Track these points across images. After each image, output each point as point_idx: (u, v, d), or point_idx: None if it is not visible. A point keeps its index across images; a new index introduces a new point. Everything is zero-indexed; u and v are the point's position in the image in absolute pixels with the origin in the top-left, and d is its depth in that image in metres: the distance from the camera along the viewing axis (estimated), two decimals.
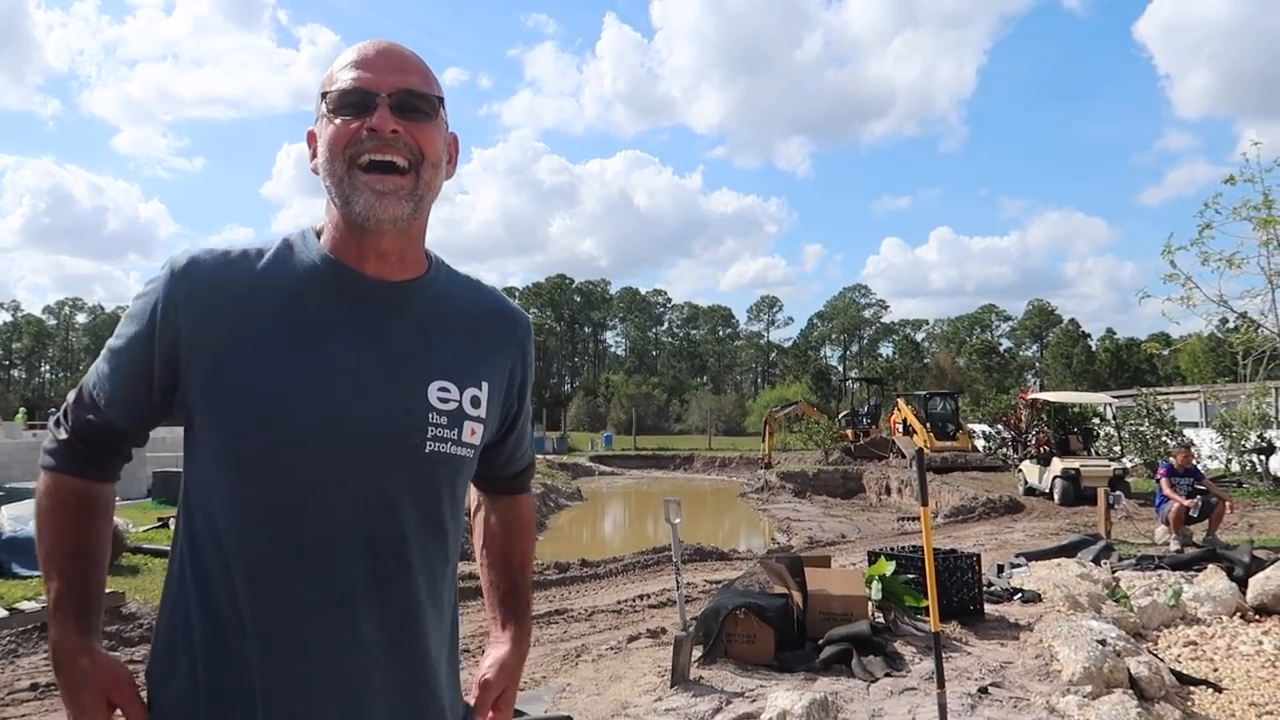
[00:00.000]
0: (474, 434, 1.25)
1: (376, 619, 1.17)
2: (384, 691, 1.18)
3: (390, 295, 1.23)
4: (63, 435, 1.26)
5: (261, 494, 1.14)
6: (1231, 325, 12.73)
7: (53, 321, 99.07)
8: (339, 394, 1.15)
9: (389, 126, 1.16)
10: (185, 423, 1.21)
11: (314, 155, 1.24)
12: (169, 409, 1.22)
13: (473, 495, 1.53)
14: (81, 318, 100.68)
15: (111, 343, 1.25)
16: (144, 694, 1.23)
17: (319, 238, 1.25)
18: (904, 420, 28.29)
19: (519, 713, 4.53)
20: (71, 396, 1.28)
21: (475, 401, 1.26)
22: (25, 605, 6.64)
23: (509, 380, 1.35)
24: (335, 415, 1.15)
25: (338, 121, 1.17)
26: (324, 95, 1.21)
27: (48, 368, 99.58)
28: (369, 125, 1.15)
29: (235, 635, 1.14)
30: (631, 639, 6.41)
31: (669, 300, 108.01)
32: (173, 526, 1.24)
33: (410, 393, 1.20)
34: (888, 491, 22.80)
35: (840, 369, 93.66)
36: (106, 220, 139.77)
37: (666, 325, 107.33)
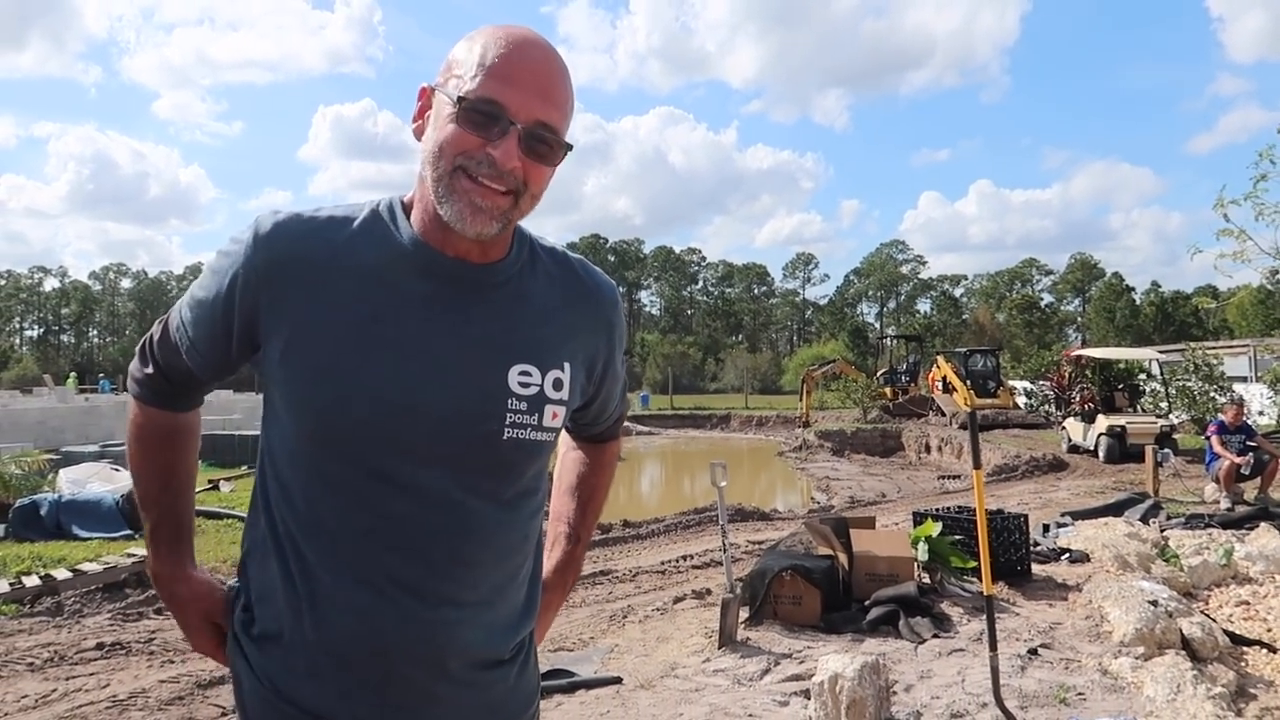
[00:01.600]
0: (555, 418, 1.24)
1: (454, 604, 1.18)
2: (455, 673, 1.19)
3: (474, 277, 1.20)
4: (149, 368, 1.31)
5: (334, 470, 1.15)
6: None
7: (98, 287, 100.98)
8: (415, 376, 1.14)
9: (511, 163, 1.11)
10: (264, 387, 1.22)
11: (419, 118, 1.19)
12: (247, 362, 1.23)
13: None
14: (126, 283, 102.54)
15: (195, 291, 1.25)
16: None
17: (406, 212, 1.22)
18: (943, 378, 28.01)
19: (569, 673, 4.61)
20: (157, 331, 1.31)
21: (558, 384, 1.24)
22: (87, 566, 6.85)
23: (594, 356, 1.33)
24: (410, 397, 1.14)
25: (459, 127, 1.12)
26: (454, 76, 1.14)
27: (95, 333, 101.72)
28: (490, 150, 1.11)
29: (307, 603, 1.17)
30: (677, 600, 6.47)
31: (703, 259, 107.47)
32: (253, 480, 1.28)
33: (490, 377, 1.18)
34: (927, 450, 22.66)
35: (877, 326, 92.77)
36: (148, 186, 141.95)
37: (701, 284, 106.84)
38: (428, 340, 1.16)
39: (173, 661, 5.23)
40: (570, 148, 1.17)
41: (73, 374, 42.77)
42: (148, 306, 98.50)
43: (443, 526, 1.16)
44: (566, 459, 1.56)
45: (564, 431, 1.48)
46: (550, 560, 1.46)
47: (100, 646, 5.40)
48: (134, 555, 7.18)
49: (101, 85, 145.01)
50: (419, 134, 1.18)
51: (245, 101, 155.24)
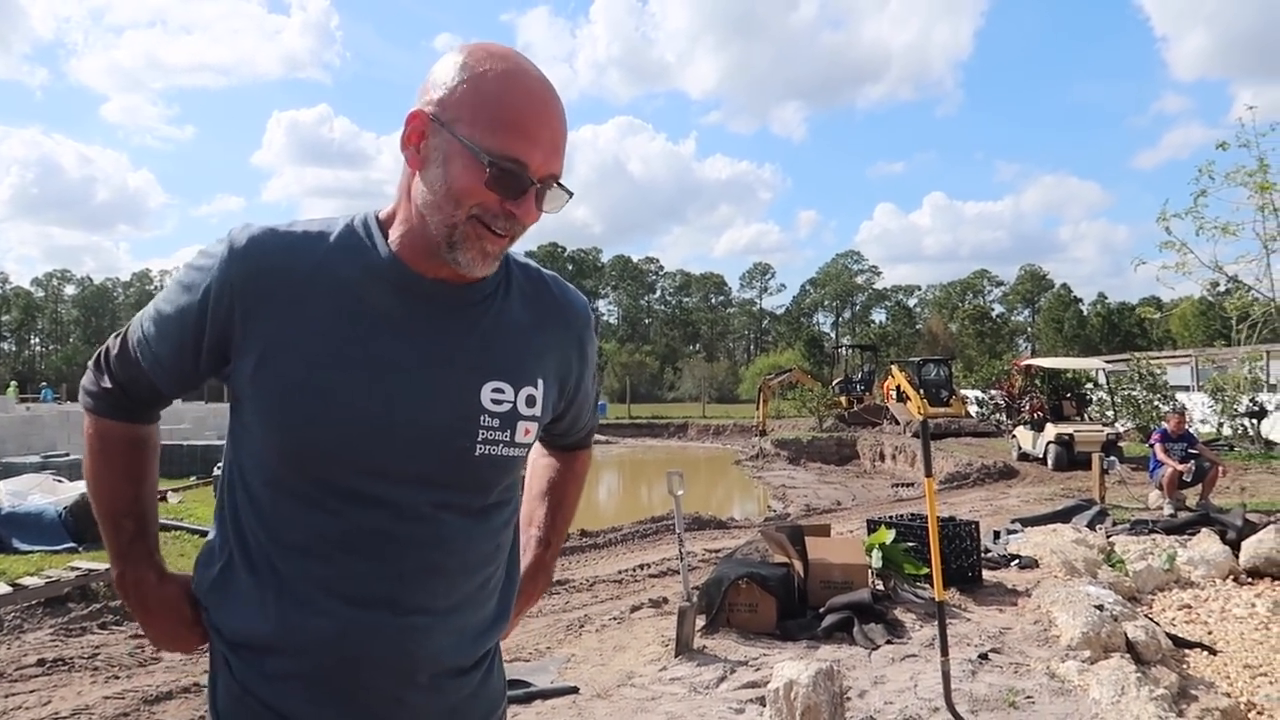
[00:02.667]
0: (528, 434, 1.25)
1: (426, 617, 1.18)
2: (427, 687, 1.20)
3: (448, 296, 1.21)
4: (106, 383, 1.29)
5: (306, 485, 1.15)
6: (1223, 289, 12.75)
7: (41, 294, 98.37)
8: (388, 393, 1.15)
9: (531, 219, 1.15)
10: (233, 401, 1.21)
11: (413, 143, 1.14)
12: (212, 376, 1.23)
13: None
14: (70, 289, 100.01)
15: (160, 305, 1.23)
16: None
17: (382, 229, 1.21)
18: (897, 387, 28.38)
19: (525, 684, 4.59)
20: (115, 344, 1.29)
21: (531, 401, 1.25)
22: (28, 581, 6.66)
23: (567, 372, 1.35)
24: (383, 414, 1.14)
25: (489, 187, 1.11)
26: (463, 119, 1.11)
27: (37, 340, 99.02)
28: (512, 209, 1.12)
29: (275, 626, 1.17)
30: (634, 609, 6.47)
31: (661, 268, 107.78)
32: (215, 492, 1.28)
33: (462, 395, 1.19)
34: (882, 458, 22.94)
35: (833, 336, 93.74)
36: (96, 190, 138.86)
37: (659, 293, 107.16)
38: (402, 358, 1.16)
39: (117, 677, 5.10)
40: (571, 195, 1.20)
41: (13, 383, 41.58)
42: (92, 313, 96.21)
43: (414, 539, 1.17)
44: (537, 465, 1.56)
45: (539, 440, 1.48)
46: (521, 565, 1.45)
47: (42, 663, 5.25)
48: (77, 569, 6.99)
49: (48, 88, 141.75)
50: (414, 162, 1.15)
51: (197, 106, 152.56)
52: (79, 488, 10.32)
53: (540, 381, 1.27)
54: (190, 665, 5.35)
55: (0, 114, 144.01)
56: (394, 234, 1.19)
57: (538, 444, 1.49)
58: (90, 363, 1.32)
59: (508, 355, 1.24)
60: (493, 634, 1.29)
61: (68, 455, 14.04)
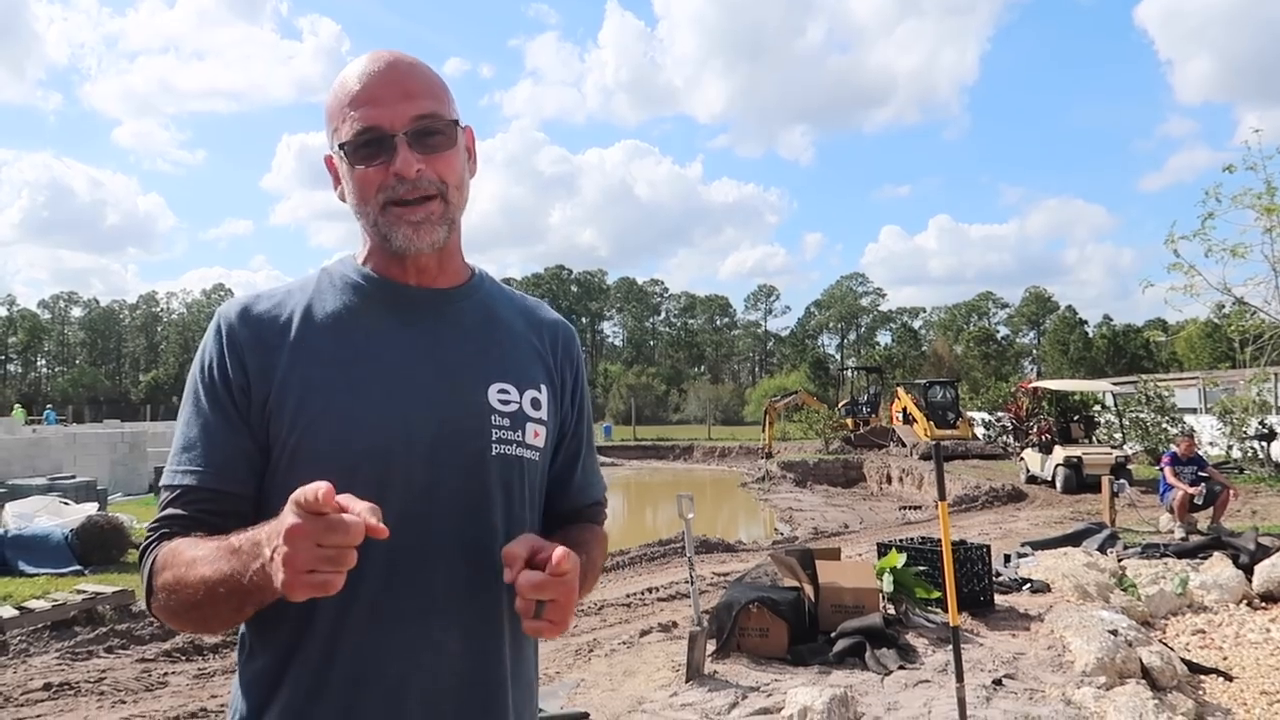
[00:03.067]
0: (537, 436, 1.25)
1: (458, 630, 1.17)
2: (463, 702, 1.18)
3: (438, 302, 1.25)
4: (152, 536, 1.16)
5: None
6: (1227, 311, 12.74)
7: (48, 316, 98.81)
8: (402, 406, 1.16)
9: (412, 169, 1.15)
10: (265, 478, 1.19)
11: (336, 183, 1.24)
12: (264, 457, 1.16)
13: None
14: (77, 311, 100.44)
15: (185, 418, 1.18)
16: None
17: (356, 260, 1.27)
18: (904, 409, 28.33)
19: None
20: (162, 507, 1.17)
21: (535, 403, 1.26)
22: (34, 604, 6.64)
23: (562, 387, 1.35)
24: (403, 425, 1.15)
25: (360, 168, 1.17)
26: (334, 130, 1.19)
27: (44, 362, 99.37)
28: (394, 170, 1.15)
29: (317, 643, 1.14)
30: (643, 633, 6.42)
31: (666, 290, 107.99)
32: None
33: (471, 397, 1.21)
34: (889, 480, 22.84)
35: (838, 358, 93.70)
36: (105, 214, 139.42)
37: (664, 315, 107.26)
38: (409, 369, 1.19)
39: (124, 702, 5.07)
40: (457, 123, 1.21)
41: (19, 405, 41.68)
42: (99, 335, 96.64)
43: (444, 553, 1.16)
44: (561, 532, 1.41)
45: (546, 515, 1.36)
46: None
47: (48, 687, 5.22)
48: (83, 592, 6.97)
49: (61, 112, 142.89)
50: (342, 199, 1.23)
51: (209, 130, 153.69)
52: (85, 510, 10.32)
53: (543, 387, 1.28)
54: (197, 690, 5.32)
55: (13, 138, 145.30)
56: (364, 257, 1.26)
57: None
58: (144, 550, 1.17)
59: (507, 358, 1.26)
60: (524, 647, 1.29)
61: (74, 478, 14.03)
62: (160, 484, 1.19)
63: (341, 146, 1.17)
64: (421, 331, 1.21)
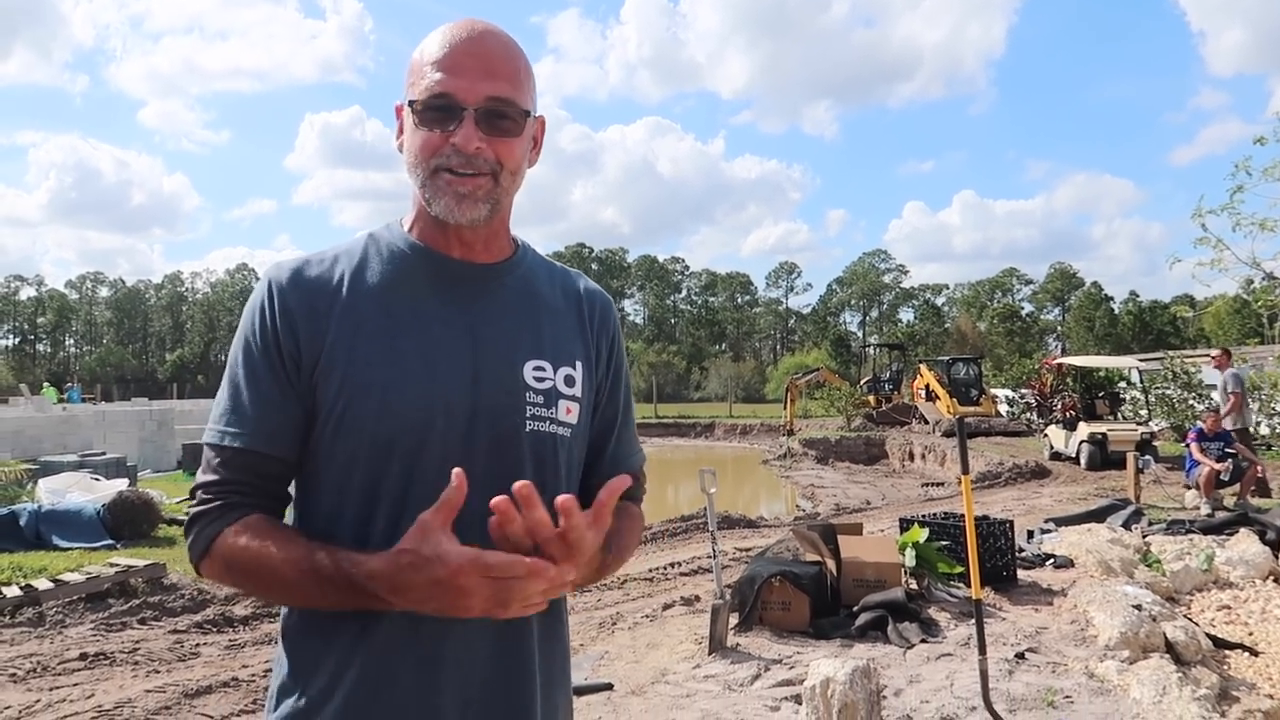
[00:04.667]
0: (570, 413, 1.27)
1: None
2: (496, 675, 1.21)
3: (480, 278, 1.26)
4: (223, 495, 1.16)
5: (382, 487, 1.16)
6: (1256, 286, 12.54)
7: (75, 296, 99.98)
8: (442, 380, 1.18)
9: (472, 145, 1.16)
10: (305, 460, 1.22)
11: (399, 134, 1.25)
12: (308, 423, 1.18)
13: None
14: (104, 291, 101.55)
15: (232, 378, 1.19)
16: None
17: (402, 226, 1.29)
18: (926, 386, 28.14)
19: None
20: (206, 470, 1.18)
21: (569, 380, 1.28)
22: (69, 577, 6.77)
23: (598, 358, 1.36)
24: (442, 401, 1.18)
25: (423, 130, 1.18)
26: (410, 84, 1.21)
27: (72, 342, 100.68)
28: (452, 141, 1.17)
29: (357, 625, 1.16)
30: (666, 606, 6.47)
31: (687, 268, 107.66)
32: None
33: (507, 373, 1.23)
34: (911, 457, 22.76)
35: (860, 335, 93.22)
36: (131, 194, 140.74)
37: (685, 293, 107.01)
38: (450, 344, 1.21)
39: (158, 671, 5.18)
40: (529, 114, 1.22)
41: (49, 385, 42.28)
42: (125, 315, 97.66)
43: (476, 529, 1.15)
44: None
45: (583, 486, 1.35)
46: None
47: (84, 657, 5.34)
48: (116, 565, 7.11)
49: (87, 94, 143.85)
50: (401, 149, 1.24)
51: (233, 110, 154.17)
52: (116, 486, 10.50)
53: (578, 364, 1.30)
54: (229, 660, 5.43)
55: (41, 120, 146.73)
56: (413, 225, 1.27)
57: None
58: (190, 513, 1.19)
59: (544, 335, 1.28)
60: (556, 623, 1.32)
61: (104, 454, 14.27)
62: (206, 440, 1.20)
63: (411, 103, 1.19)
64: (463, 307, 1.23)
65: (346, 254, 1.25)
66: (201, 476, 1.19)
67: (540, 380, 1.24)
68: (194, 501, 1.19)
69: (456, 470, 1.01)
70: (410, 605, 1.04)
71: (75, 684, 4.95)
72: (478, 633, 1.18)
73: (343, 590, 1.08)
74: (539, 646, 1.25)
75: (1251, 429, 11.18)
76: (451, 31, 1.19)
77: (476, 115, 1.16)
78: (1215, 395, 19.47)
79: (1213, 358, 11.96)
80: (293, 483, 1.23)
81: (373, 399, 1.15)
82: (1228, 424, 11.03)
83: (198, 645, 5.71)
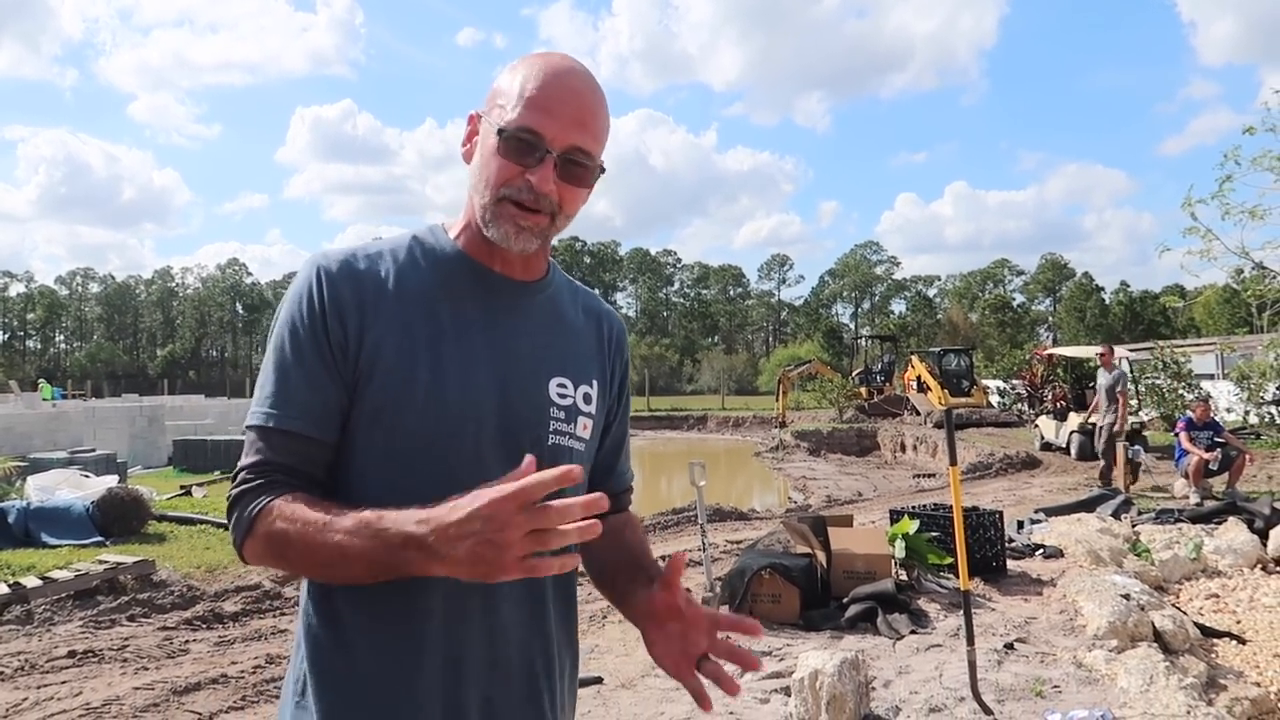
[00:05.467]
0: (586, 429, 1.32)
1: (511, 602, 1.23)
2: (514, 671, 1.24)
3: (516, 293, 1.30)
4: (254, 481, 1.15)
5: (414, 485, 1.15)
6: (1245, 276, 12.58)
7: (65, 292, 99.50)
8: (481, 387, 1.22)
9: (547, 188, 1.19)
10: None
11: (467, 141, 1.28)
12: (347, 400, 1.18)
13: None
14: (94, 287, 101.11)
15: (278, 361, 1.18)
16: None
17: (448, 233, 1.31)
18: (918, 377, 28.23)
19: None
20: (251, 453, 1.17)
21: (588, 398, 1.33)
22: (58, 574, 6.74)
23: (611, 378, 1.43)
24: (476, 408, 1.21)
25: (502, 158, 1.20)
26: (500, 105, 1.21)
27: (62, 338, 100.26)
28: (528, 177, 1.18)
29: (382, 621, 1.17)
30: None
31: (679, 260, 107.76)
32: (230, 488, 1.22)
33: (535, 388, 1.27)
34: (903, 449, 22.82)
35: (852, 327, 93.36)
36: (122, 189, 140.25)
37: (677, 285, 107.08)
38: (488, 353, 1.24)
39: (146, 669, 5.16)
40: (604, 170, 1.26)
41: (44, 381, 42.15)
42: (115, 310, 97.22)
43: None
44: (595, 541, 1.35)
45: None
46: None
47: (72, 654, 5.31)
48: (105, 562, 7.07)
49: (77, 88, 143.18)
50: (467, 158, 1.27)
51: (224, 104, 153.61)
52: (106, 482, 10.45)
53: (595, 382, 1.36)
54: (218, 657, 5.41)
55: (30, 115, 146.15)
56: (457, 231, 1.30)
57: None
58: (231, 496, 1.18)
59: (568, 353, 1.33)
60: (565, 636, 1.35)
61: (94, 451, 14.21)
62: (249, 424, 1.18)
63: (500, 131, 1.19)
64: (499, 321, 1.27)
65: (392, 252, 1.27)
66: (244, 460, 1.18)
67: (563, 397, 1.29)
68: (235, 483, 1.17)
69: (530, 457, 1.01)
70: (449, 552, 0.97)
71: (63, 682, 4.93)
72: (500, 639, 1.21)
73: (389, 545, 1.02)
74: (554, 609, 1.30)
75: (1124, 429, 11.48)
76: (551, 66, 1.21)
77: (558, 160, 1.18)
78: (1204, 384, 19.59)
79: (1099, 355, 12.26)
80: None
81: (415, 398, 1.18)
82: (1101, 420, 11.52)
83: (187, 642, 5.69)
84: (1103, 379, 11.97)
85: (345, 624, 1.19)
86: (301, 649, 1.23)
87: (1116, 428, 11.51)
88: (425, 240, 1.30)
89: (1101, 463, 11.85)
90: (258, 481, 1.15)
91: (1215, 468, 10.26)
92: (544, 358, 1.29)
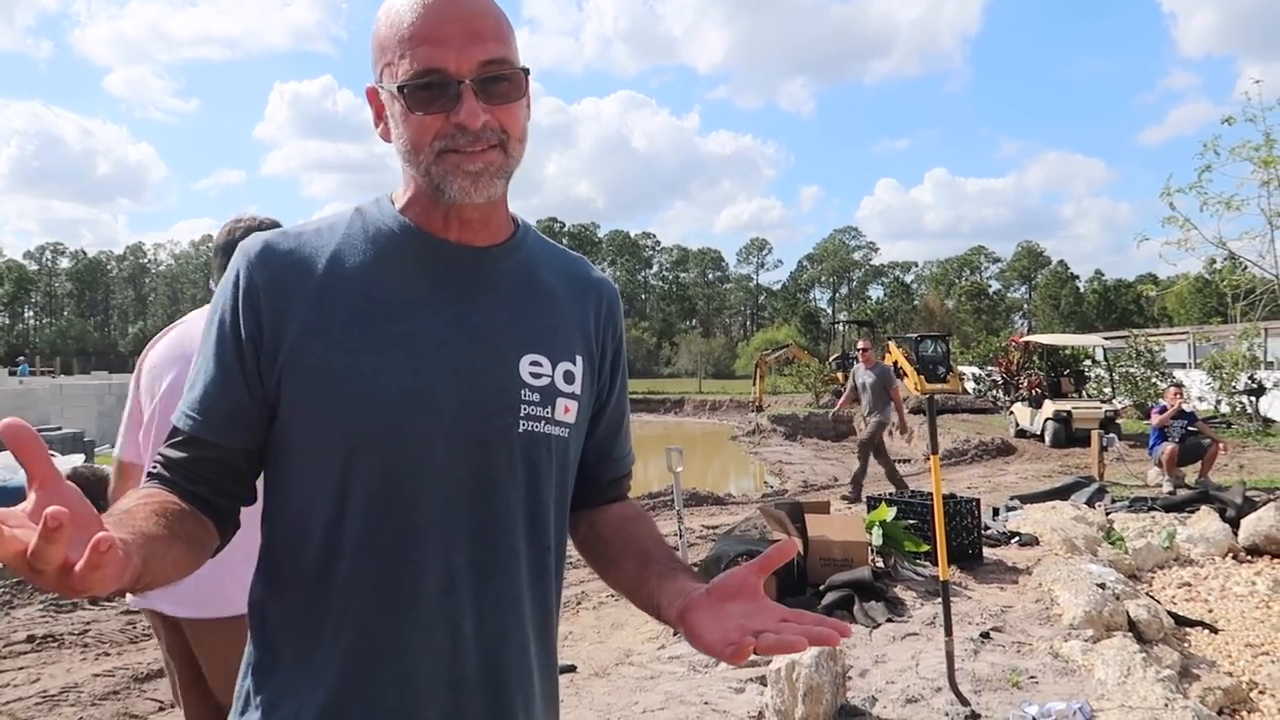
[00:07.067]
0: (568, 412, 1.16)
1: (475, 611, 1.09)
2: (479, 688, 1.10)
3: (477, 262, 1.15)
4: (152, 470, 1.09)
5: (356, 482, 1.06)
6: (1219, 266, 12.65)
7: (35, 267, 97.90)
8: (428, 372, 1.08)
9: (478, 121, 1.04)
10: (270, 455, 1.12)
11: (378, 119, 1.13)
12: (269, 412, 1.09)
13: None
14: (65, 262, 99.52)
15: (200, 360, 1.11)
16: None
17: (394, 204, 1.16)
18: (894, 363, 28.35)
19: None
20: (163, 451, 1.10)
21: (569, 376, 1.17)
22: None
23: (601, 353, 1.26)
24: (426, 395, 1.07)
25: (418, 114, 1.05)
26: (386, 65, 1.07)
27: (31, 314, 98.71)
28: (456, 120, 1.04)
29: (330, 633, 1.07)
30: None
31: (658, 243, 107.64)
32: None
33: (501, 368, 1.12)
34: None
35: (829, 312, 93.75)
36: (96, 163, 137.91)
37: (656, 268, 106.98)
38: (439, 333, 1.09)
39: (107, 654, 5.04)
40: (528, 71, 1.10)
41: (23, 359, 41.50)
42: (86, 287, 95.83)
43: (463, 532, 1.08)
44: (598, 539, 1.31)
45: (572, 510, 1.27)
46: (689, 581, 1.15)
47: (31, 639, 5.19)
48: None
49: (51, 60, 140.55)
50: (385, 137, 1.12)
51: (201, 78, 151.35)
52: (72, 462, 10.24)
53: (578, 358, 1.19)
54: None
55: (2, 86, 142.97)
56: (402, 203, 1.15)
57: (577, 517, 1.31)
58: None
59: (543, 327, 1.17)
60: (546, 639, 1.22)
61: (60, 429, 13.96)
62: (171, 421, 1.12)
63: (400, 89, 1.04)
64: (455, 294, 1.12)
65: (329, 229, 1.13)
66: (158, 458, 1.10)
67: (537, 377, 1.14)
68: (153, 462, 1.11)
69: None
70: None
71: (20, 668, 4.80)
72: (464, 649, 1.09)
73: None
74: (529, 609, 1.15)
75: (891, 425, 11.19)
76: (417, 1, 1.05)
77: (475, 86, 1.04)
78: (1176, 373, 19.79)
79: (860, 351, 11.55)
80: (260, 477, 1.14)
81: (347, 388, 1.05)
82: (865, 416, 10.95)
83: (149, 627, 5.56)
84: (865, 376, 11.08)
85: (282, 649, 1.09)
86: (247, 660, 1.13)
87: (876, 419, 10.86)
88: (368, 213, 1.16)
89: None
90: (151, 471, 1.09)
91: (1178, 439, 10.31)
92: (512, 333, 1.13)
